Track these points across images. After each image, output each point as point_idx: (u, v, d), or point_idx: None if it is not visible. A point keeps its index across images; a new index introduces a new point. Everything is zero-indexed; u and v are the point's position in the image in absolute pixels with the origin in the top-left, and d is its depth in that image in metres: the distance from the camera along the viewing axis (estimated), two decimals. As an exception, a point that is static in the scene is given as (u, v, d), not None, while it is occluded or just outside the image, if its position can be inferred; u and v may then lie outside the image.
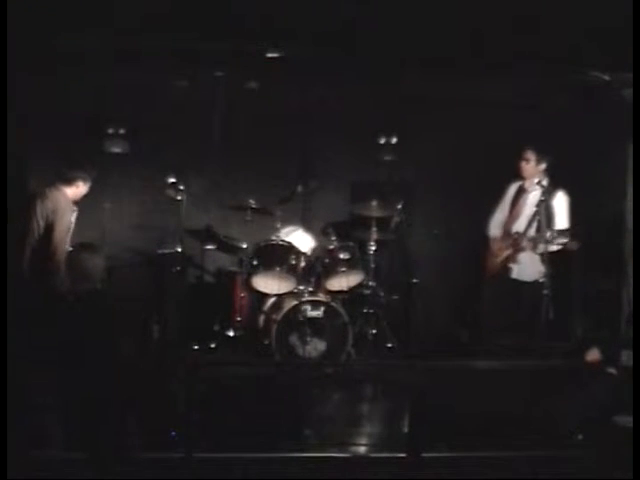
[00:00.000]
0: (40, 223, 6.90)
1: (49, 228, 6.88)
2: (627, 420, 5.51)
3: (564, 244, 7.13)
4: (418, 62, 7.47)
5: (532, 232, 7.20)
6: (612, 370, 7.02)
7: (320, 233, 8.18)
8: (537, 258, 7.24)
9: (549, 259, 7.05)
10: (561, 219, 7.18)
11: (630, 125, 6.88)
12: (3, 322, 5.16)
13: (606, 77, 7.72)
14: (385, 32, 6.91)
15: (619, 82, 7.67)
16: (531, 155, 7.30)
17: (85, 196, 7.33)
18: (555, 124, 8.06)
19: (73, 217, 7.02)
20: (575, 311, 8.11)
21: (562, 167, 7.62)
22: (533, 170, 7.32)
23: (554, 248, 7.04)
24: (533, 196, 7.29)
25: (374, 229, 7.89)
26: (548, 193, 7.15)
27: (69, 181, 7.07)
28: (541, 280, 7.16)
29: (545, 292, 7.08)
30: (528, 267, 7.33)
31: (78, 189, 7.13)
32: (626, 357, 7.02)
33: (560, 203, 7.21)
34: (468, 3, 6.72)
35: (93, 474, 4.80)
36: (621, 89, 7.68)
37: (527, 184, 7.41)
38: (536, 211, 7.17)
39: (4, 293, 5.27)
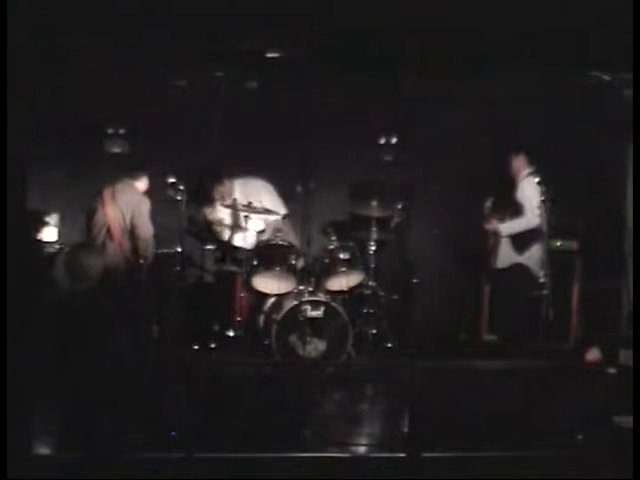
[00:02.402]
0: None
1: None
2: (627, 420, 5.51)
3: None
4: (418, 62, 7.48)
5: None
6: (612, 370, 7.04)
7: (320, 233, 8.20)
8: (506, 242, 7.63)
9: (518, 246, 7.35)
10: (527, 205, 7.49)
11: (630, 125, 6.88)
12: (3, 322, 5.16)
13: (606, 77, 7.73)
14: (385, 32, 6.92)
15: (619, 82, 7.68)
16: (515, 161, 7.74)
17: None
18: (555, 124, 8.06)
19: None
20: (575, 311, 8.11)
21: (562, 167, 7.65)
22: (519, 171, 7.72)
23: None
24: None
25: (374, 229, 7.89)
26: (519, 184, 7.64)
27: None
28: (541, 280, 7.19)
29: (545, 292, 7.11)
30: (503, 253, 7.69)
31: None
32: (624, 356, 7.04)
33: (525, 191, 7.51)
34: (468, 3, 6.73)
35: (93, 474, 4.80)
36: (621, 89, 7.69)
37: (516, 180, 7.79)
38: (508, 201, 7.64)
39: (4, 293, 5.27)
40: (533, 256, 7.54)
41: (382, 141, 8.25)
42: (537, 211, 7.41)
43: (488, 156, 8.13)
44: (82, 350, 6.03)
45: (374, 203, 7.85)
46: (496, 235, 7.78)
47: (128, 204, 7.49)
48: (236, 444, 5.19)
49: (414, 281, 8.34)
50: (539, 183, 7.34)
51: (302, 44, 7.16)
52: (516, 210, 7.59)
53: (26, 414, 5.16)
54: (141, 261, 7.45)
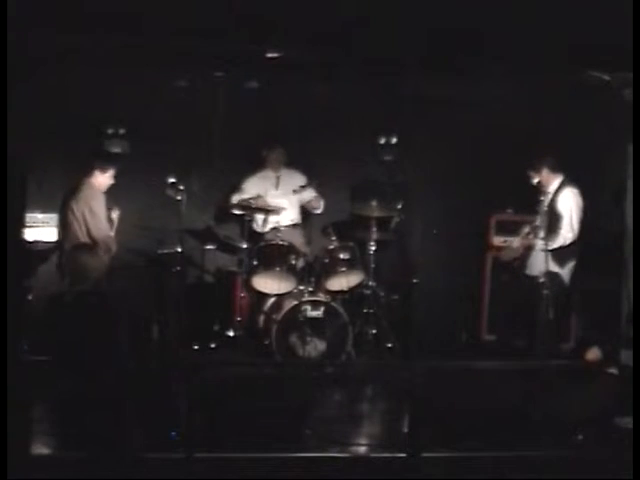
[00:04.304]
0: None
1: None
2: (627, 421, 5.50)
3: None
4: (418, 62, 7.46)
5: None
6: (612, 370, 7.04)
7: (320, 233, 8.20)
8: (540, 255, 7.34)
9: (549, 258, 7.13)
10: (565, 221, 7.26)
11: (630, 125, 6.87)
12: (3, 322, 5.15)
13: (606, 77, 7.72)
14: (384, 32, 6.91)
15: (619, 82, 7.67)
16: (546, 168, 7.42)
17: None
18: (554, 124, 8.06)
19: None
20: (575, 311, 8.11)
21: (562, 167, 7.64)
22: (549, 178, 7.44)
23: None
24: (546, 198, 7.43)
25: (374, 229, 7.88)
26: (556, 195, 7.34)
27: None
28: (541, 279, 7.18)
29: (545, 292, 7.10)
30: (534, 263, 7.45)
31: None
32: (625, 357, 7.03)
33: (564, 205, 7.27)
34: (467, 3, 6.72)
35: (93, 474, 4.80)
36: (621, 89, 7.69)
37: (544, 188, 7.48)
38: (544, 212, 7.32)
39: (4, 293, 5.27)
40: (566, 267, 7.41)
41: (382, 141, 8.25)
42: (575, 226, 7.29)
43: (489, 158, 8.15)
44: (81, 350, 6.04)
45: (374, 203, 7.84)
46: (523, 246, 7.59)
47: (83, 201, 7.39)
48: (236, 444, 5.19)
49: (414, 281, 8.34)
50: (576, 194, 7.30)
51: (302, 44, 7.15)
52: (552, 225, 7.21)
53: (26, 414, 5.17)
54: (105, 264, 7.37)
